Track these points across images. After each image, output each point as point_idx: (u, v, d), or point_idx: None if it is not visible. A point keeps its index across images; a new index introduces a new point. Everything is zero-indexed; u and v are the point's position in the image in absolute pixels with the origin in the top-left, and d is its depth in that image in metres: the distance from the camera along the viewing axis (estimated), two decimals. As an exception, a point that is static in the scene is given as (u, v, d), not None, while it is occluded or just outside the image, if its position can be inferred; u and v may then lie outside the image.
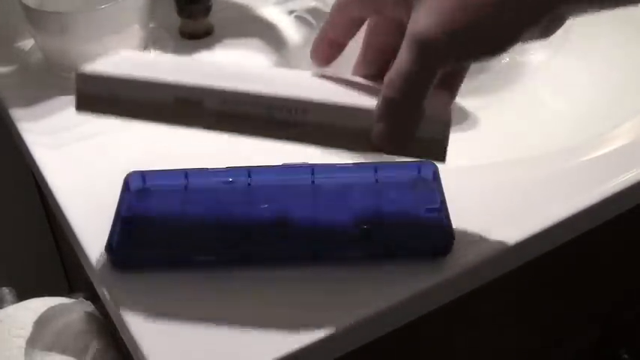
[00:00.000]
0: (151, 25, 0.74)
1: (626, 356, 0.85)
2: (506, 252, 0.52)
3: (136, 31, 0.70)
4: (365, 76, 0.49)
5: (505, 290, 0.60)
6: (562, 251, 0.57)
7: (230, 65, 0.55)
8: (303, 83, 0.47)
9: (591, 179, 0.57)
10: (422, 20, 0.39)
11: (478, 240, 0.52)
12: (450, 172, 0.54)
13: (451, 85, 0.46)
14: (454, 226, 0.51)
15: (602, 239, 0.65)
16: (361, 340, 0.49)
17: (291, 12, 0.80)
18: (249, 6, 0.82)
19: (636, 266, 0.78)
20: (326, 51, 0.48)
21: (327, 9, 0.85)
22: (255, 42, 0.76)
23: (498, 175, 0.58)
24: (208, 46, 0.76)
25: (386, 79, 0.40)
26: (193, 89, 0.43)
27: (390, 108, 0.40)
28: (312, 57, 0.48)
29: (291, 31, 0.77)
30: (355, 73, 0.49)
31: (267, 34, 0.77)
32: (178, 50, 0.75)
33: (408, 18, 0.40)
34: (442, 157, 0.42)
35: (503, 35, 0.38)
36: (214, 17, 0.77)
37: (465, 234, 0.51)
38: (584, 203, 0.55)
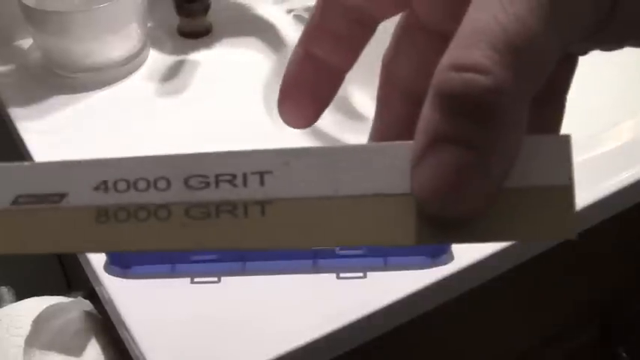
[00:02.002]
0: (150, 24, 0.74)
1: (625, 355, 0.85)
2: (505, 251, 0.52)
3: (134, 30, 0.70)
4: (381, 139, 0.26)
5: (504, 290, 0.60)
6: (561, 251, 0.57)
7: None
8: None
9: (590, 178, 0.57)
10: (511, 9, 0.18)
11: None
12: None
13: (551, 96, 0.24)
14: (453, 225, 0.51)
15: (602, 238, 0.65)
16: (360, 339, 0.49)
17: (289, 11, 0.80)
18: (248, 5, 0.82)
19: (635, 265, 0.78)
20: (308, 86, 0.24)
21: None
22: (254, 41, 0.76)
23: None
24: (207, 45, 0.76)
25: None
26: (44, 172, 0.20)
27: (474, 109, 0.17)
28: (281, 104, 0.24)
29: (290, 30, 0.77)
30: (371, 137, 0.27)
31: (266, 33, 0.77)
32: (177, 49, 0.75)
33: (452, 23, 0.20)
34: (567, 226, 0.18)
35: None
36: (213, 16, 0.77)
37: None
38: (583, 202, 0.55)
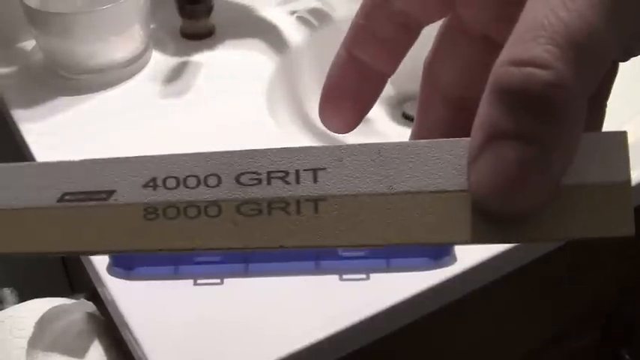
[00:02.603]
0: (152, 26, 0.75)
1: (626, 356, 0.85)
2: (507, 253, 0.52)
3: (137, 32, 0.70)
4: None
5: (506, 291, 0.60)
6: (562, 251, 0.57)
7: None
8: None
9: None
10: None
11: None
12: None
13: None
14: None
15: (603, 239, 0.65)
16: (363, 341, 0.49)
17: (292, 13, 0.80)
18: (251, 6, 0.82)
19: (636, 266, 0.78)
20: (351, 91, 0.24)
21: (329, 10, 0.85)
22: (257, 43, 0.76)
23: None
24: (210, 46, 0.76)
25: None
26: (93, 170, 0.20)
27: (535, 105, 0.17)
28: (323, 109, 0.24)
29: (293, 32, 0.77)
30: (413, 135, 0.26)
31: (269, 34, 0.77)
32: (179, 51, 0.75)
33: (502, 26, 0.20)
34: (625, 222, 0.18)
35: None
36: (216, 18, 0.77)
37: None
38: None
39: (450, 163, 0.18)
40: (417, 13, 0.23)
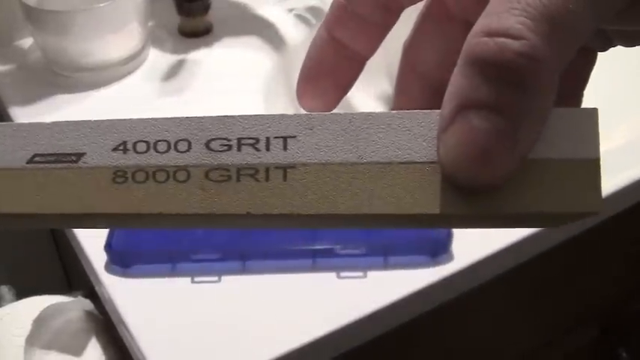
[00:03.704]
0: (150, 24, 0.74)
1: (625, 355, 0.85)
2: (505, 251, 0.52)
3: (135, 30, 0.70)
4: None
5: (503, 289, 0.60)
6: (560, 250, 0.57)
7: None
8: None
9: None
10: None
11: (477, 239, 0.52)
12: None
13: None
14: (453, 225, 0.51)
15: (602, 238, 0.65)
16: (360, 339, 0.49)
17: (290, 10, 0.80)
18: (249, 4, 0.82)
19: (635, 265, 0.78)
20: (329, 72, 0.24)
21: (326, 7, 0.84)
22: (255, 40, 0.76)
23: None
24: (207, 44, 0.76)
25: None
26: (64, 132, 0.20)
27: (507, 75, 0.17)
28: (300, 90, 0.24)
29: (291, 29, 0.77)
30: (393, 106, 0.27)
31: (267, 32, 0.77)
32: (177, 48, 0.75)
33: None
34: (594, 199, 0.18)
35: None
36: (213, 15, 0.77)
37: (464, 232, 0.51)
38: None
39: (421, 134, 0.18)
40: None
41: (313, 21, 0.78)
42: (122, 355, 0.57)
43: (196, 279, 0.50)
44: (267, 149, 0.19)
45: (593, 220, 0.57)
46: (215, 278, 0.50)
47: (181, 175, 0.19)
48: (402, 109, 0.22)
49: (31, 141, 0.20)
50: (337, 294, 0.49)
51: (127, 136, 0.19)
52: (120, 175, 0.19)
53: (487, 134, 0.17)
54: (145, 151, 0.19)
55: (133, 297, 0.49)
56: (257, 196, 0.18)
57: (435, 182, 0.18)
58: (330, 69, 0.24)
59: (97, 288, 0.53)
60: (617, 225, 0.62)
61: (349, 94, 0.26)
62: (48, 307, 0.58)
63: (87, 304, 0.61)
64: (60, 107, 0.67)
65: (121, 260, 0.51)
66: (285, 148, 0.19)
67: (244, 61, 0.73)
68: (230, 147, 0.19)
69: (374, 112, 0.19)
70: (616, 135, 0.62)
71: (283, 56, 0.74)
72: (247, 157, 0.19)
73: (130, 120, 0.19)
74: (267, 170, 0.18)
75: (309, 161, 0.18)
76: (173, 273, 0.51)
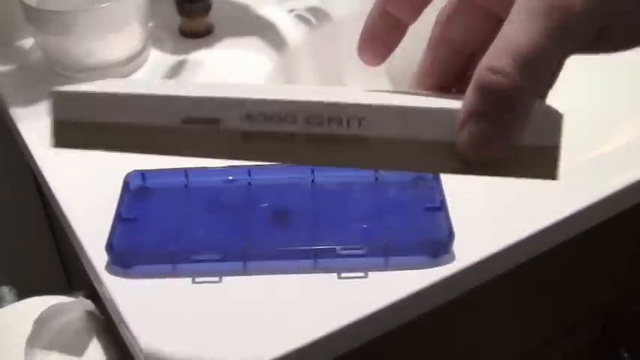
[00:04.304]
0: (151, 24, 0.74)
1: (625, 355, 0.85)
2: (506, 251, 0.52)
3: (135, 30, 0.70)
4: (431, 89, 0.37)
5: (504, 289, 0.60)
6: (561, 250, 0.57)
7: (241, 84, 0.40)
8: (350, 93, 0.35)
9: (590, 178, 0.57)
10: None
11: (478, 239, 0.52)
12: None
13: None
14: (454, 225, 0.51)
15: (602, 238, 0.65)
16: (361, 339, 0.49)
17: (291, 11, 0.80)
18: (249, 5, 0.82)
19: (636, 265, 0.78)
20: (381, 36, 0.35)
21: (328, 8, 0.85)
22: (255, 41, 0.76)
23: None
24: (208, 44, 0.76)
25: (486, 60, 0.28)
26: (206, 103, 0.31)
27: (497, 98, 0.27)
28: (360, 49, 0.36)
29: (291, 30, 0.77)
30: (417, 85, 0.37)
31: (267, 32, 0.77)
32: (178, 49, 0.75)
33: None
34: (553, 172, 0.30)
35: None
36: (214, 16, 0.77)
37: (465, 233, 0.51)
38: (583, 202, 0.55)
39: (449, 125, 0.29)
40: None
41: (314, 21, 0.78)
42: (123, 355, 0.57)
43: (197, 279, 0.50)
44: (348, 126, 0.29)
45: (594, 220, 0.57)
46: (216, 279, 0.50)
47: (289, 138, 0.30)
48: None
49: (184, 105, 0.30)
50: (338, 294, 0.49)
51: (253, 109, 0.30)
52: (247, 135, 0.30)
53: (486, 134, 0.28)
54: (265, 121, 0.30)
55: (134, 297, 0.49)
56: (338, 153, 0.30)
57: (453, 156, 0.29)
58: (381, 34, 0.35)
59: (97, 288, 0.53)
60: (618, 225, 0.62)
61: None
62: (49, 307, 0.58)
63: (88, 304, 0.61)
64: (61, 108, 0.67)
65: (122, 261, 0.51)
66: (359, 125, 0.29)
67: (245, 62, 0.73)
68: (322, 123, 0.29)
69: (420, 107, 0.29)
70: (616, 135, 0.62)
71: (284, 57, 0.74)
72: (334, 129, 0.29)
73: (256, 99, 0.30)
74: (347, 138, 0.30)
75: (373, 135, 0.29)
76: (174, 273, 0.51)
